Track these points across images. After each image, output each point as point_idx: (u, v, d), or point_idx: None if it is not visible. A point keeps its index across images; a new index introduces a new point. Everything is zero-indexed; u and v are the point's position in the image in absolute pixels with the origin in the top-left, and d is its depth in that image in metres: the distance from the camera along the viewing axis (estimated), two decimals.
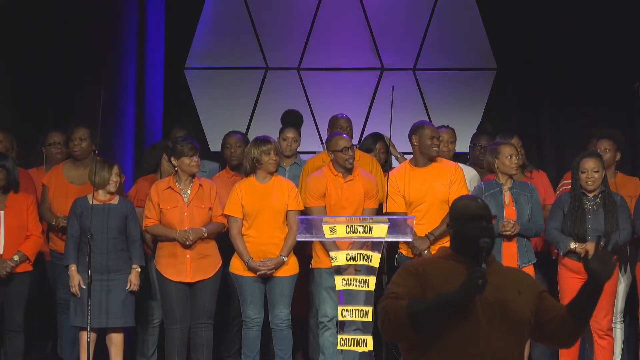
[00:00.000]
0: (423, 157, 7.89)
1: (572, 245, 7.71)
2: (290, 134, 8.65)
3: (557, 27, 10.20)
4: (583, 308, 4.21)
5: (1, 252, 7.91)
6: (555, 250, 7.92)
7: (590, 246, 7.67)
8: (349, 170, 7.96)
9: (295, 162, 8.71)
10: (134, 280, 7.84)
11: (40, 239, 8.04)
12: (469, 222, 4.23)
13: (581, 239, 7.73)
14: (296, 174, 8.51)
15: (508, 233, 7.70)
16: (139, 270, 7.88)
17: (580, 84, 10.10)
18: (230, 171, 8.52)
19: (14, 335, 7.97)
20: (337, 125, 8.56)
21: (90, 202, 7.78)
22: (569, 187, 7.94)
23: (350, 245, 7.53)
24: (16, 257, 7.90)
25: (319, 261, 7.87)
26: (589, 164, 7.79)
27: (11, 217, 7.94)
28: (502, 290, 4.16)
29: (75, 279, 7.75)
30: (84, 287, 7.70)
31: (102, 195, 7.86)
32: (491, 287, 4.06)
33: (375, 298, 7.11)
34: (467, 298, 4.03)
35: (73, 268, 7.78)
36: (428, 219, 7.84)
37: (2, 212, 7.94)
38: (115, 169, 7.89)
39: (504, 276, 4.23)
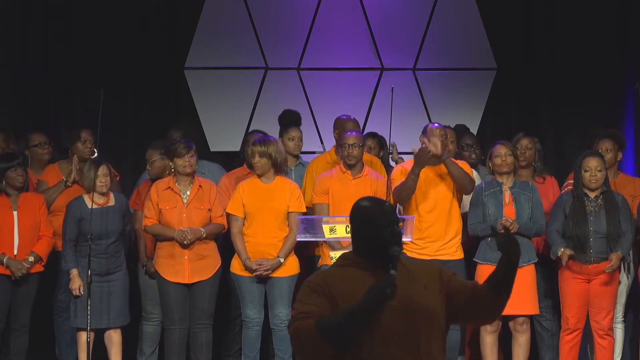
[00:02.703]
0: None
1: (559, 251, 7.72)
2: (296, 133, 8.68)
3: (557, 27, 10.20)
4: (503, 281, 4.13)
5: (15, 253, 7.91)
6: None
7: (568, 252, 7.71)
8: (358, 168, 8.01)
9: (299, 163, 8.72)
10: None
11: (52, 239, 8.02)
12: (383, 228, 4.05)
13: (583, 241, 7.74)
14: (301, 174, 8.52)
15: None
16: None
17: (580, 84, 10.11)
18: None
19: (19, 335, 7.97)
20: (346, 128, 8.51)
21: (89, 206, 7.78)
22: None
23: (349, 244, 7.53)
24: (31, 258, 7.89)
25: (325, 259, 7.89)
26: (593, 162, 7.80)
27: (24, 217, 7.94)
28: (409, 289, 4.00)
29: (77, 282, 7.76)
30: (82, 293, 7.73)
31: (98, 198, 7.85)
32: (398, 290, 3.89)
33: None
34: (377, 306, 3.84)
35: (75, 272, 7.79)
36: (435, 215, 7.86)
37: (15, 212, 7.94)
38: (103, 169, 7.85)
39: (409, 274, 4.06)
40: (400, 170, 7.93)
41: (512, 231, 7.71)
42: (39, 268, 7.97)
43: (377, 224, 4.06)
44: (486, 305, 4.17)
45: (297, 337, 3.98)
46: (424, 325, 4.04)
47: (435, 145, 7.67)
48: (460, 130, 9.11)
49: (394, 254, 3.98)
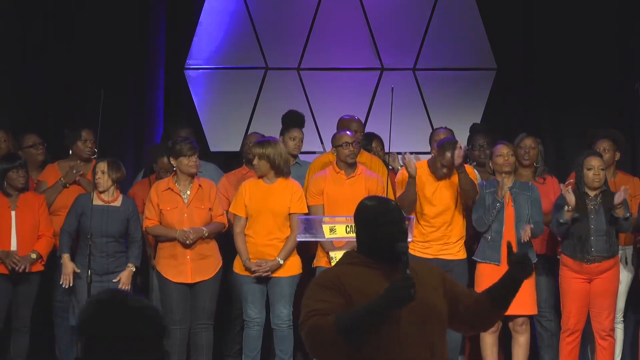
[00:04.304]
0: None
1: (566, 208, 7.70)
2: (298, 133, 8.68)
3: (557, 27, 10.20)
4: (506, 296, 4.16)
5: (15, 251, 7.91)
6: (559, 252, 7.94)
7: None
8: (351, 167, 7.99)
9: (296, 162, 8.71)
10: (124, 279, 7.82)
11: (53, 239, 8.02)
12: (390, 225, 4.05)
13: (584, 240, 7.73)
14: (298, 174, 8.50)
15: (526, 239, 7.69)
16: (133, 270, 7.87)
17: (580, 84, 10.10)
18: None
19: (20, 335, 7.97)
20: (351, 128, 8.49)
21: (94, 202, 7.77)
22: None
23: (348, 244, 7.54)
24: (34, 255, 7.89)
25: (320, 260, 7.89)
26: (595, 161, 7.82)
27: (23, 216, 7.94)
28: (422, 290, 3.95)
29: (69, 267, 7.74)
30: (78, 270, 7.69)
31: (104, 195, 7.85)
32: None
33: None
34: (399, 306, 3.84)
35: (66, 257, 7.78)
36: (440, 220, 7.86)
37: (13, 212, 7.94)
38: (101, 166, 7.83)
39: (417, 276, 3.99)
40: (403, 174, 7.94)
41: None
42: (39, 267, 7.97)
43: (384, 221, 4.05)
44: (483, 315, 4.21)
45: (316, 334, 3.89)
46: (437, 327, 4.06)
47: (457, 158, 7.71)
48: (475, 129, 9.12)
49: (402, 250, 3.96)
